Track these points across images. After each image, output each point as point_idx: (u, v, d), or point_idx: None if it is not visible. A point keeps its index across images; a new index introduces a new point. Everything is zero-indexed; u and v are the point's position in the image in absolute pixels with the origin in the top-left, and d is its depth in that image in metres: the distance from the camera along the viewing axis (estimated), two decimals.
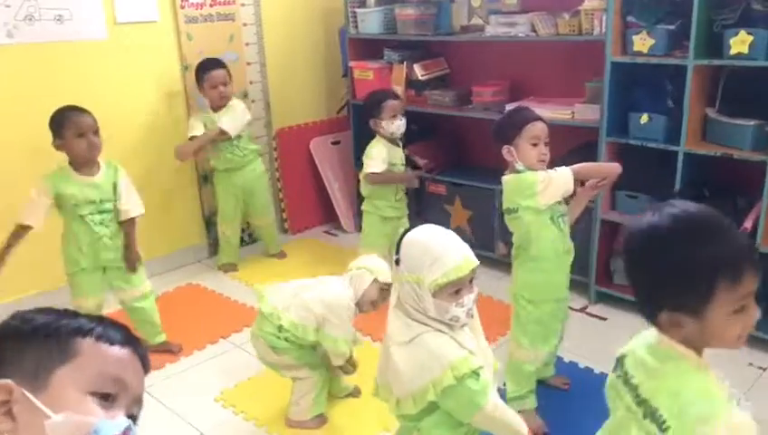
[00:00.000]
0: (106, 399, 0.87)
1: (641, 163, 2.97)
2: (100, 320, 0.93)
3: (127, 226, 2.73)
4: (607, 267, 3.24)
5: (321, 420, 2.43)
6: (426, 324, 1.61)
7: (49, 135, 2.56)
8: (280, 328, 2.27)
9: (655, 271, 1.14)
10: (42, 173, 2.61)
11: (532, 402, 2.35)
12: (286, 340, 2.27)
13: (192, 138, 3.45)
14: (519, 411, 1.97)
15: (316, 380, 2.37)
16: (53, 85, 3.14)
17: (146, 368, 0.96)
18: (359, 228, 3.84)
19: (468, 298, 1.60)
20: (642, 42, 2.80)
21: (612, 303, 3.14)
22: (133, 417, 0.92)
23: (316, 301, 2.27)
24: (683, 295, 1.10)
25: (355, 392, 2.57)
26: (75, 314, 0.92)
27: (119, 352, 0.91)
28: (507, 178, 2.28)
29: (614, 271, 3.22)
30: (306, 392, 2.38)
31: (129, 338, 0.94)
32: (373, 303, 2.33)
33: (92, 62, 3.31)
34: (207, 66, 3.45)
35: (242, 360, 2.86)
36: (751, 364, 2.68)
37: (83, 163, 2.60)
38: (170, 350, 2.92)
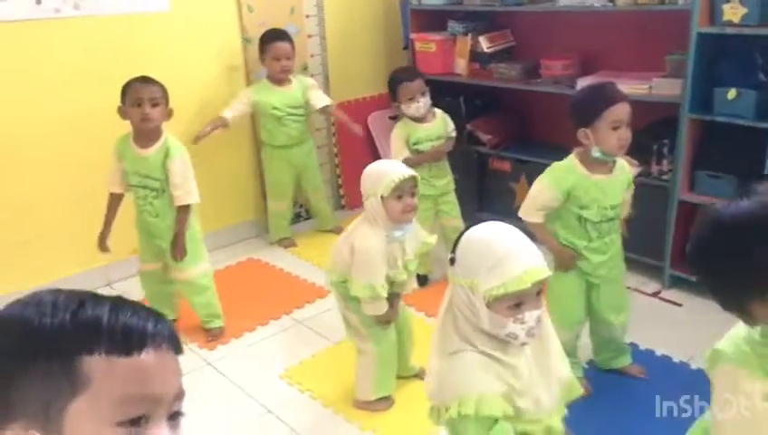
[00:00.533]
0: (137, 423, 0.71)
1: (726, 141, 2.81)
2: (112, 313, 0.73)
3: (179, 212, 2.65)
4: (683, 251, 3.08)
5: (387, 402, 2.38)
6: (470, 343, 1.41)
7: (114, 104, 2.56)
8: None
9: (755, 258, 1.05)
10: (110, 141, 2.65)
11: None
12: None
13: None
14: None
15: (377, 357, 2.30)
16: (117, 56, 3.13)
17: (177, 351, 0.79)
18: None
19: (531, 314, 1.36)
20: (733, 11, 2.61)
21: (688, 288, 2.99)
22: (177, 414, 0.78)
23: (347, 250, 2.19)
24: None
25: (421, 374, 2.50)
26: (80, 306, 0.73)
27: (139, 361, 0.72)
28: None
29: None
30: (368, 371, 2.33)
31: (146, 332, 0.74)
32: (402, 213, 2.12)
33: (154, 34, 3.29)
34: (272, 37, 3.39)
35: (306, 336, 2.84)
36: None
37: (138, 133, 2.59)
38: (214, 336, 2.85)
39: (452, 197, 3.23)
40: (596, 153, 2.16)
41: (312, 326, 2.92)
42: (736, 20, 2.62)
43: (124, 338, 0.71)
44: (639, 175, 3.07)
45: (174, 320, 2.88)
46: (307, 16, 3.89)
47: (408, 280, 2.27)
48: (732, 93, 2.71)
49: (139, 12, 3.21)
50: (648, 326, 2.69)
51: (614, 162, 2.24)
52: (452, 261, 1.45)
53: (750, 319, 1.13)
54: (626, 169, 2.30)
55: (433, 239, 2.34)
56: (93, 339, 0.70)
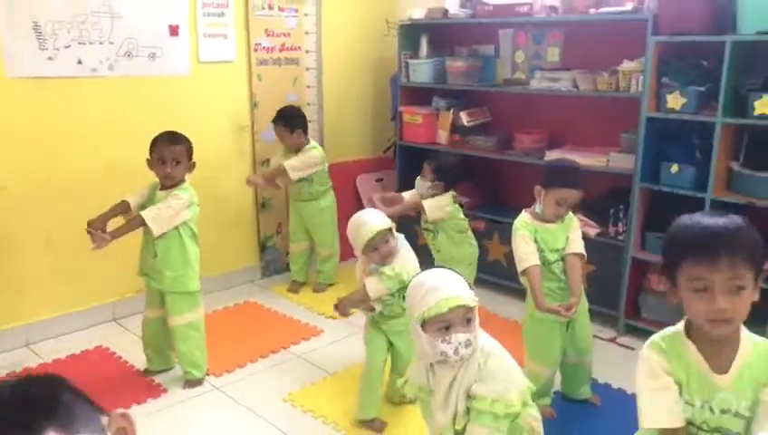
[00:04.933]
0: None
1: (670, 209, 3.29)
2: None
3: (136, 218, 2.76)
4: (635, 302, 3.53)
5: (377, 424, 2.66)
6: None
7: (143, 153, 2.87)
8: None
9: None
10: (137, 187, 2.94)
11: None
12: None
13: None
14: None
15: (362, 378, 2.64)
16: (145, 112, 3.52)
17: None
18: None
19: (456, 337, 1.67)
20: (675, 100, 3.15)
21: (639, 335, 3.40)
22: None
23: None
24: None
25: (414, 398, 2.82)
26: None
27: None
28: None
29: (641, 306, 3.51)
30: (360, 389, 2.64)
31: None
32: (380, 260, 2.52)
33: (176, 94, 3.69)
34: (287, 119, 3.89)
35: (304, 368, 3.15)
36: None
37: (163, 184, 2.86)
38: (192, 384, 2.96)
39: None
40: (538, 209, 2.63)
41: (309, 359, 3.23)
42: (677, 108, 3.16)
43: None
44: (598, 235, 3.56)
45: (168, 369, 3.07)
46: (308, 87, 4.36)
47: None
48: (675, 168, 3.22)
49: (163, 75, 3.63)
50: (606, 366, 3.08)
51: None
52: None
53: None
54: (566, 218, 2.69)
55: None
56: None
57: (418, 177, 3.51)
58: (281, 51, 4.15)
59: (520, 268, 2.58)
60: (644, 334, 3.46)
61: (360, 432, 2.63)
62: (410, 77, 4.33)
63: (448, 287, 1.72)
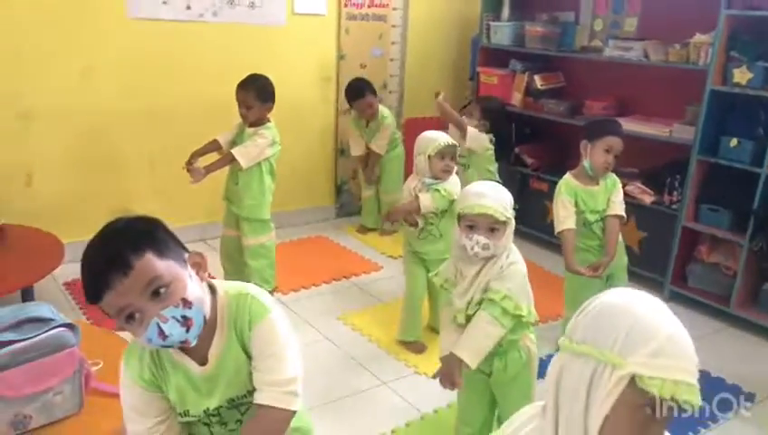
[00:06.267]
0: (132, 317, 1.16)
1: (726, 182, 3.37)
2: (88, 279, 1.15)
3: (226, 156, 3.11)
4: (683, 271, 3.63)
5: (417, 346, 2.97)
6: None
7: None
8: None
9: None
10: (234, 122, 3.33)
11: None
12: None
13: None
14: None
15: (404, 301, 2.95)
16: (242, 57, 3.91)
17: (126, 273, 1.12)
18: None
19: (477, 238, 1.87)
20: (742, 74, 3.19)
21: (684, 303, 3.52)
22: (156, 291, 1.15)
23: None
24: None
25: None
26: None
27: (104, 303, 1.14)
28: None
29: (689, 275, 3.61)
30: (401, 314, 2.96)
31: (102, 287, 1.12)
32: (441, 171, 2.77)
33: (271, 42, 4.08)
34: (359, 92, 4.13)
35: (361, 295, 3.52)
36: None
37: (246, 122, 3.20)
38: None
39: None
40: (585, 164, 2.76)
41: (365, 289, 3.60)
42: (743, 82, 3.20)
43: (93, 298, 1.15)
44: (653, 203, 3.67)
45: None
46: (392, 43, 4.63)
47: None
48: (734, 142, 3.28)
49: (262, 24, 4.01)
50: None
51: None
52: None
53: None
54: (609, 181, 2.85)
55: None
56: (88, 299, 1.16)
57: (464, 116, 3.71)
58: (369, 7, 4.43)
59: (556, 230, 2.79)
60: (689, 302, 3.60)
61: (400, 351, 2.96)
62: (491, 38, 4.51)
63: (486, 197, 1.91)
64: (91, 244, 1.18)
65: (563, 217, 2.77)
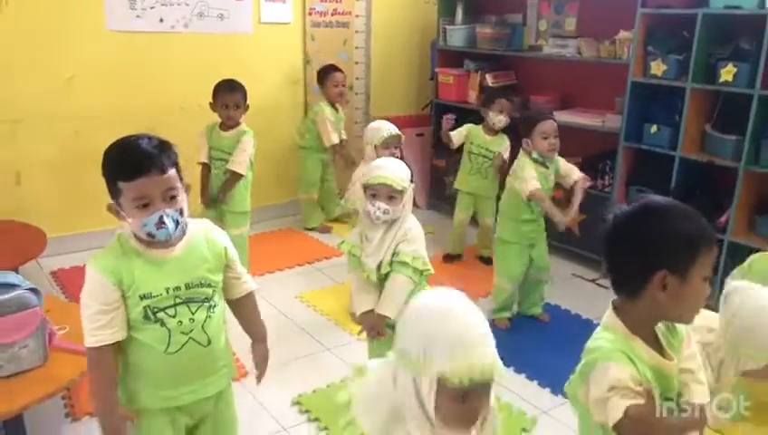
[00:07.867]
0: (146, 206, 1.53)
1: (651, 165, 3.68)
2: (126, 155, 1.56)
3: (227, 173, 3.47)
4: None
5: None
6: None
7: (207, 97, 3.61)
8: None
9: (650, 238, 1.33)
10: (204, 125, 3.65)
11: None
12: None
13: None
14: None
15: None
16: (212, 65, 4.24)
17: (162, 171, 1.53)
18: (428, 205, 4.94)
19: (378, 204, 2.16)
20: (657, 67, 3.51)
21: None
22: (171, 196, 1.56)
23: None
24: (674, 257, 1.29)
25: None
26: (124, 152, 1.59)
27: (136, 183, 1.51)
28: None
29: None
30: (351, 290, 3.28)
31: (140, 168, 1.51)
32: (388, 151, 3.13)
33: (240, 50, 4.42)
34: (332, 68, 4.42)
35: (318, 277, 3.86)
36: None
37: (223, 125, 3.54)
38: None
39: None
40: (534, 155, 3.09)
41: (325, 272, 3.93)
42: (659, 74, 3.51)
43: (129, 175, 1.52)
44: (590, 187, 3.98)
45: None
46: (356, 47, 4.98)
47: None
48: (654, 128, 3.60)
49: (230, 32, 4.37)
50: (575, 299, 3.56)
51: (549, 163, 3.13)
52: None
53: (633, 302, 1.37)
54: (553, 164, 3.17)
55: None
56: (119, 175, 1.53)
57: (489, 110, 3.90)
58: (332, 15, 4.78)
59: (528, 191, 3.03)
60: None
61: (350, 324, 3.29)
62: (447, 41, 4.84)
63: (386, 169, 2.22)
64: (136, 137, 1.60)
65: (530, 177, 3.05)
